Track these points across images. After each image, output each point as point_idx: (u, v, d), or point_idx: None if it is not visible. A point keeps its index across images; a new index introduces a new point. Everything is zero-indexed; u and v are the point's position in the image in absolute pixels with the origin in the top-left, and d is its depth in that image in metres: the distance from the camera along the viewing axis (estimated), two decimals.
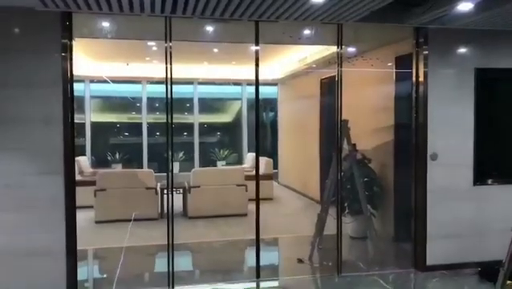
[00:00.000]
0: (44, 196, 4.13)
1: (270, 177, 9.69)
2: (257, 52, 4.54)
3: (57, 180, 4.14)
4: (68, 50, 4.18)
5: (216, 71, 10.99)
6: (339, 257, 4.86)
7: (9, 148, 4.07)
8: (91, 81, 10.90)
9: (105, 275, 5.26)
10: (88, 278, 5.17)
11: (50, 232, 4.14)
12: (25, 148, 4.11)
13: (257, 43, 4.51)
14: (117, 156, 11.03)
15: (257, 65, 4.56)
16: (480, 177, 5.03)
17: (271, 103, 13.30)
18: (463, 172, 4.99)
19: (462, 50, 5.01)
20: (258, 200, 4.84)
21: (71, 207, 4.20)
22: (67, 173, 4.17)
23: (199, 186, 7.65)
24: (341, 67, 4.78)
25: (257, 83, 4.60)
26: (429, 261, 4.91)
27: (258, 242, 4.79)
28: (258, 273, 4.70)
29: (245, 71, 11.18)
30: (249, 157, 11.50)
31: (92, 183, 7.31)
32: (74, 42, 4.23)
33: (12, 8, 3.98)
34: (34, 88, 4.11)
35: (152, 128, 11.54)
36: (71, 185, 4.20)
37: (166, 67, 4.44)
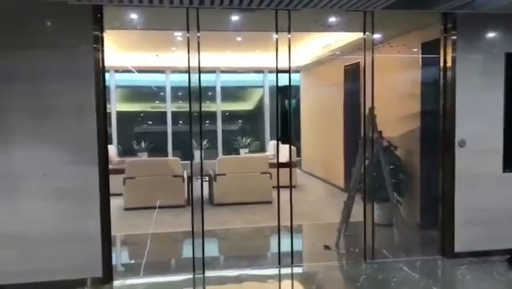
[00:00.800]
0: (80, 184, 4.28)
1: (293, 164, 9.73)
2: (277, 41, 4.55)
3: (91, 169, 4.28)
4: (99, 41, 4.28)
5: (238, 60, 11.02)
6: (366, 244, 4.90)
7: (45, 138, 4.22)
8: (116, 71, 11.09)
9: (134, 260, 5.42)
10: (121, 263, 5.34)
11: (86, 219, 4.29)
12: (60, 139, 4.25)
13: (276, 31, 4.52)
14: (143, 144, 11.23)
15: (276, 54, 4.57)
16: (510, 164, 4.98)
17: (294, 91, 13.28)
18: (492, 158, 4.94)
19: (492, 35, 4.92)
20: (279, 187, 4.91)
21: (105, 195, 4.34)
22: (100, 162, 4.31)
23: (225, 174, 7.76)
24: (368, 53, 4.77)
25: (277, 72, 4.62)
26: (457, 248, 4.91)
27: (279, 229, 4.87)
28: (279, 260, 4.79)
29: (267, 59, 11.23)
30: (272, 145, 11.56)
31: (120, 171, 7.49)
32: (104, 34, 4.33)
33: (44, 1, 4.08)
34: (68, 80, 4.23)
35: (176, 116, 11.70)
36: (104, 173, 4.33)
37: (188, 57, 4.50)
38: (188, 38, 4.50)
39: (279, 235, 4.88)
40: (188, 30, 4.47)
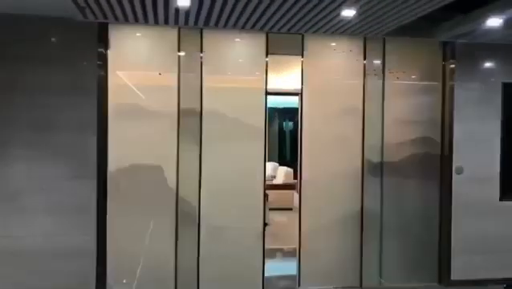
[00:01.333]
0: (77, 200, 4.27)
1: (291, 186, 9.73)
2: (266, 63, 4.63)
3: (90, 184, 4.28)
4: (103, 59, 4.34)
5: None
6: (362, 269, 4.87)
7: (45, 152, 4.23)
8: None
9: None
10: None
11: (82, 234, 4.27)
12: (60, 153, 4.26)
13: (266, 55, 4.59)
14: None
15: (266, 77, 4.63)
16: (506, 193, 5.00)
17: (293, 113, 13.37)
18: (489, 187, 4.97)
19: (489, 64, 5.02)
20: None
21: (102, 210, 4.33)
22: (99, 178, 4.31)
23: None
24: (369, 78, 4.84)
25: (266, 93, 4.66)
26: (454, 276, 4.88)
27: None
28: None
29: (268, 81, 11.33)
30: (270, 166, 11.56)
31: None
32: (109, 52, 4.39)
33: (52, 18, 4.15)
34: (71, 95, 4.27)
35: None
36: (102, 189, 4.33)
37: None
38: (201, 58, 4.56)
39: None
40: (201, 50, 4.54)
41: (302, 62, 4.79)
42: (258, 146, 4.67)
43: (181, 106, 4.49)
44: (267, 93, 4.70)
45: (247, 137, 4.63)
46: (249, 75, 4.73)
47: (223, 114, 4.58)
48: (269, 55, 4.61)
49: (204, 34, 4.47)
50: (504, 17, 3.90)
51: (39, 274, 4.20)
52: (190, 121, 4.51)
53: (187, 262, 4.51)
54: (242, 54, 4.70)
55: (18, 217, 4.18)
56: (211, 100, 4.54)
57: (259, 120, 4.67)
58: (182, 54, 4.51)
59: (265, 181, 4.82)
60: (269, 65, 4.65)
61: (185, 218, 4.52)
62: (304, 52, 4.73)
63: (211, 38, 4.49)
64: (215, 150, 4.56)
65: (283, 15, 3.90)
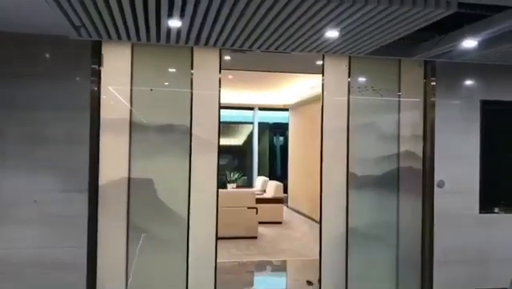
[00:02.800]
0: (69, 212, 4.36)
1: (280, 200, 9.87)
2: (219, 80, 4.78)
3: (82, 197, 4.38)
4: (97, 75, 4.48)
5: (229, 96, 11.30)
6: (347, 279, 4.99)
7: (38, 166, 4.33)
8: None
9: None
10: None
11: (73, 247, 4.35)
12: (53, 167, 4.36)
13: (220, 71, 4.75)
14: None
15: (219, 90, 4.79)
16: (486, 206, 5.19)
17: (282, 128, 13.58)
18: (469, 199, 5.16)
19: (468, 82, 5.25)
20: None
21: (93, 223, 4.42)
22: (90, 192, 4.41)
23: None
24: (352, 95, 5.04)
25: (219, 107, 4.81)
26: (436, 287, 5.02)
27: None
28: None
29: (257, 97, 11.56)
30: (259, 181, 11.71)
31: None
32: (102, 69, 4.53)
33: (46, 36, 4.30)
34: (63, 110, 4.40)
35: None
36: (94, 202, 4.43)
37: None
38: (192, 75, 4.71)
39: None
40: (192, 67, 4.70)
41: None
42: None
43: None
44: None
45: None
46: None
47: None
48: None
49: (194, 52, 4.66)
50: (479, 38, 4.12)
51: (31, 285, 4.26)
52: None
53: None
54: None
55: (10, 228, 4.26)
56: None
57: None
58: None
59: None
60: None
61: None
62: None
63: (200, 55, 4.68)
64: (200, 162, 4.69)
65: (270, 35, 4.09)
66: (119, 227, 4.52)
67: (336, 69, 5.03)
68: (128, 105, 4.57)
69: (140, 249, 4.54)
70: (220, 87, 4.79)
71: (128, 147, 4.56)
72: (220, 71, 4.77)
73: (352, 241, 4.98)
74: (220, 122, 4.84)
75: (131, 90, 4.59)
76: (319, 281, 5.44)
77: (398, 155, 5.10)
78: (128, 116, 4.57)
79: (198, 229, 4.67)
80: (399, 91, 5.17)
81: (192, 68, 4.69)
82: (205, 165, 4.72)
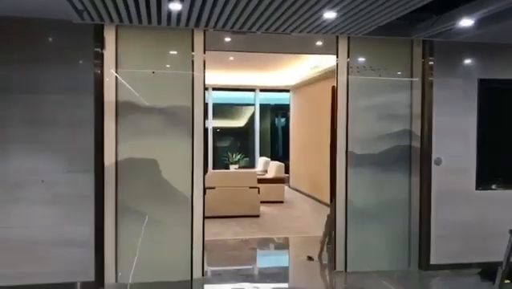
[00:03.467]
0: (76, 191, 4.51)
1: (282, 180, 10.03)
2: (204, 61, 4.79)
3: (88, 177, 4.52)
4: (100, 58, 4.57)
5: (231, 78, 11.37)
6: (347, 255, 5.15)
7: (45, 147, 4.46)
8: None
9: None
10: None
11: (80, 225, 4.51)
12: (59, 148, 4.49)
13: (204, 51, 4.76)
14: None
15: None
16: (482, 183, 5.31)
17: (283, 109, 13.65)
18: (466, 177, 5.27)
19: (466, 61, 5.31)
20: None
21: (99, 202, 4.57)
22: (96, 171, 4.55)
23: (214, 187, 8.00)
24: (352, 75, 5.12)
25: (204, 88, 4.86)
26: (433, 260, 5.19)
27: None
28: None
29: (259, 78, 11.61)
30: (261, 161, 11.85)
31: None
32: (105, 52, 4.61)
33: (50, 20, 4.38)
34: (68, 93, 4.50)
35: None
36: (99, 182, 4.57)
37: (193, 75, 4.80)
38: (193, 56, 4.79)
39: None
40: (193, 49, 4.77)
41: None
42: None
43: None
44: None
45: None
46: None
47: None
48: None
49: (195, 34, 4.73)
50: (475, 18, 4.17)
51: (41, 261, 4.44)
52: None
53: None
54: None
55: (20, 208, 4.41)
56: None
57: None
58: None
59: None
60: None
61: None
62: None
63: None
64: None
65: (269, 16, 4.15)
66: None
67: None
68: (131, 88, 4.66)
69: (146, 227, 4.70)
70: (204, 68, 4.82)
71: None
72: (204, 52, 4.80)
73: (352, 217, 5.12)
74: (205, 103, 4.92)
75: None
76: (319, 256, 5.63)
77: (397, 133, 5.21)
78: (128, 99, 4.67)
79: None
80: (398, 71, 5.24)
81: (193, 50, 4.76)
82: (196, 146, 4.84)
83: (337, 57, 5.11)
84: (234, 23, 4.42)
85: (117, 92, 4.63)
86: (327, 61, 7.70)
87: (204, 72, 4.83)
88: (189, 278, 4.78)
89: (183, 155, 4.80)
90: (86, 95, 4.53)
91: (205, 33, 4.76)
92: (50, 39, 4.50)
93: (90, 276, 4.54)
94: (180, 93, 4.80)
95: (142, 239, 4.67)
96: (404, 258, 5.26)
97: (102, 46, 4.57)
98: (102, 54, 4.58)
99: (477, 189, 5.29)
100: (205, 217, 4.91)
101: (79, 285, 4.53)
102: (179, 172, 4.80)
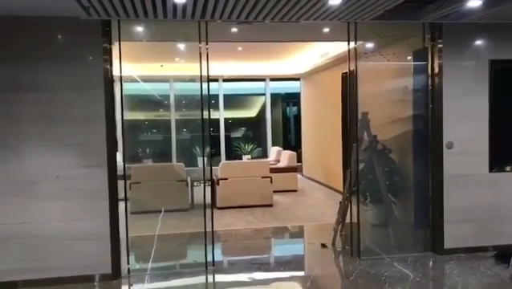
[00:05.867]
0: (90, 186, 4.59)
1: (294, 169, 10.05)
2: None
3: (101, 172, 4.59)
4: (108, 53, 4.61)
5: (240, 68, 11.37)
6: (360, 242, 5.17)
7: (58, 144, 4.54)
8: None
9: (142, 260, 5.70)
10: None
11: (96, 219, 4.60)
12: (72, 144, 4.57)
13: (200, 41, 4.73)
14: (147, 151, 11.55)
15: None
16: (496, 164, 5.25)
17: (294, 98, 13.61)
18: (479, 159, 5.22)
19: (476, 42, 5.22)
20: None
21: (113, 196, 4.65)
22: (110, 166, 4.62)
23: (227, 178, 8.06)
24: (360, 61, 5.08)
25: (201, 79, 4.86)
26: (447, 244, 5.17)
27: None
28: None
29: (268, 67, 11.59)
30: (274, 151, 11.87)
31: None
32: (113, 46, 4.65)
33: (57, 18, 4.43)
34: (79, 89, 4.56)
35: (180, 124, 12.02)
36: (113, 176, 4.64)
37: (200, 67, 4.81)
38: (200, 48, 4.81)
39: None
40: (200, 41, 4.78)
41: None
42: None
43: None
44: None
45: None
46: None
47: None
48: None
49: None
50: None
51: (58, 256, 4.55)
52: None
53: None
54: None
55: (36, 203, 4.51)
56: None
57: None
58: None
59: None
60: None
61: None
62: None
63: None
64: None
65: (274, 5, 4.14)
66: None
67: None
68: (140, 81, 4.71)
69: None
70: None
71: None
72: (200, 43, 4.80)
73: (362, 200, 5.12)
74: (202, 93, 4.91)
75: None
76: (333, 243, 5.65)
77: (407, 118, 5.18)
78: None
79: None
80: (406, 56, 5.19)
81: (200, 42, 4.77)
82: None
83: (348, 43, 5.06)
84: (240, 14, 4.41)
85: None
86: (338, 47, 7.64)
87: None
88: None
89: None
90: (96, 90, 4.58)
91: (199, 24, 4.70)
92: (60, 37, 4.56)
93: (107, 268, 4.64)
94: None
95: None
96: (417, 243, 5.25)
97: (110, 42, 4.61)
98: (110, 49, 4.63)
99: (490, 171, 5.23)
100: None
101: (96, 277, 4.63)
102: None
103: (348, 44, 5.03)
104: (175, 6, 4.09)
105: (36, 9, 4.20)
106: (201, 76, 4.86)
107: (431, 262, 5.04)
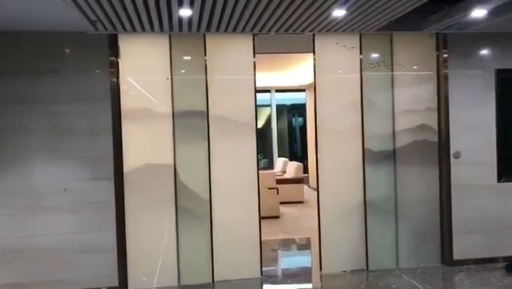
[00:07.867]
0: (97, 199, 4.60)
1: (301, 180, 10.01)
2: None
3: (108, 185, 4.61)
4: (115, 66, 4.66)
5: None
6: (368, 253, 5.12)
7: (66, 157, 4.57)
8: None
9: None
10: None
11: (103, 231, 4.60)
12: (79, 157, 4.60)
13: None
14: None
15: None
16: (504, 174, 5.20)
17: (300, 109, 13.62)
18: (487, 169, 5.18)
19: (482, 52, 5.22)
20: None
21: (120, 208, 4.65)
22: (116, 178, 4.63)
23: None
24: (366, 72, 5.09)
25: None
26: (456, 256, 5.11)
27: None
28: None
29: (274, 79, 11.62)
30: (280, 162, 11.85)
31: None
32: (119, 60, 4.70)
33: (65, 33, 4.49)
34: (86, 102, 4.61)
35: None
36: (119, 188, 4.65)
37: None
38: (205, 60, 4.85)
39: None
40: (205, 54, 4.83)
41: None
42: None
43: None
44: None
45: None
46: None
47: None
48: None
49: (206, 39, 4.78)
50: (488, 7, 4.11)
51: (65, 269, 4.55)
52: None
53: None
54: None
55: (43, 216, 4.53)
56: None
57: None
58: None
59: None
60: None
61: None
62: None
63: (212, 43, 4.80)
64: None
65: (279, 18, 4.17)
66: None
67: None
68: (147, 94, 4.74)
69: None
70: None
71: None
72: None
73: (371, 212, 5.09)
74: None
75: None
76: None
77: (415, 129, 5.15)
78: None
79: None
80: (412, 65, 5.18)
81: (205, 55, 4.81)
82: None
83: (360, 53, 5.07)
84: (245, 26, 4.45)
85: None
86: None
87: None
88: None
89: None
90: (103, 103, 4.62)
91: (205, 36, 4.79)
92: (68, 51, 4.62)
93: (114, 281, 4.63)
94: None
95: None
96: (426, 255, 5.19)
97: (117, 55, 4.66)
98: (117, 63, 4.67)
99: (499, 181, 5.19)
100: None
101: None
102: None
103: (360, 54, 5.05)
104: (180, 19, 4.13)
105: (44, 24, 4.26)
106: (206, 88, 4.88)
107: (440, 274, 4.97)
